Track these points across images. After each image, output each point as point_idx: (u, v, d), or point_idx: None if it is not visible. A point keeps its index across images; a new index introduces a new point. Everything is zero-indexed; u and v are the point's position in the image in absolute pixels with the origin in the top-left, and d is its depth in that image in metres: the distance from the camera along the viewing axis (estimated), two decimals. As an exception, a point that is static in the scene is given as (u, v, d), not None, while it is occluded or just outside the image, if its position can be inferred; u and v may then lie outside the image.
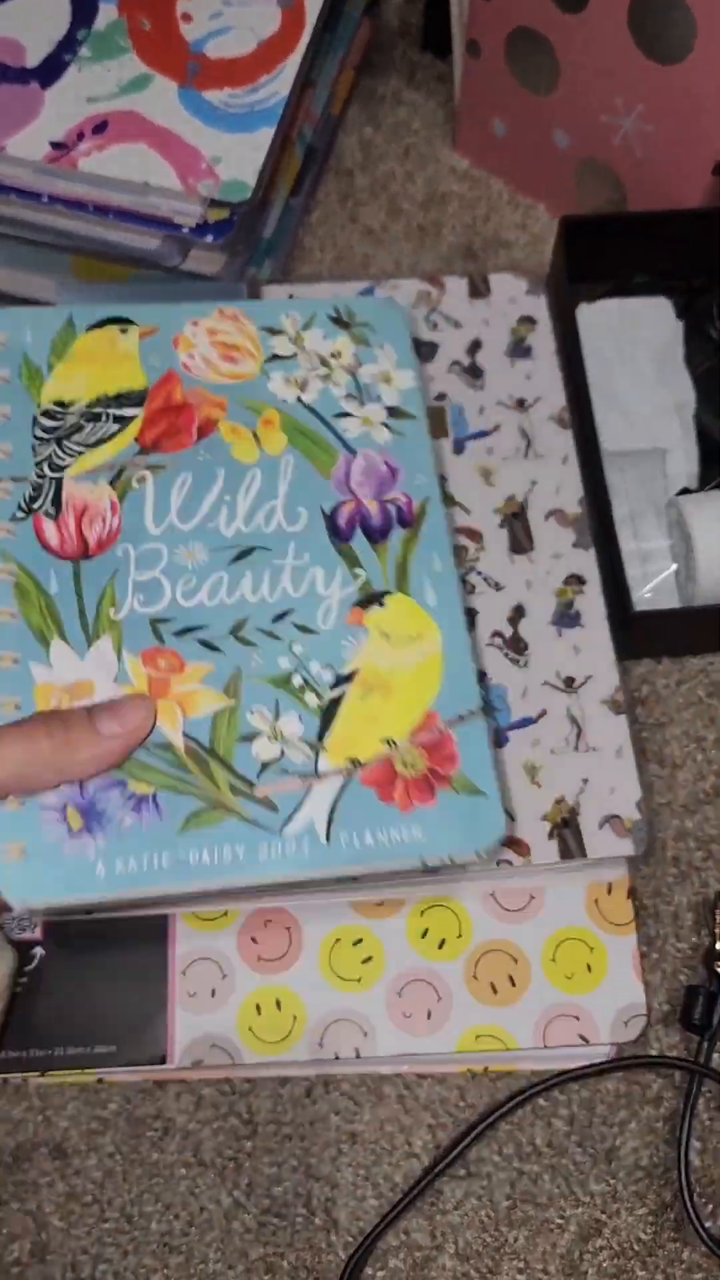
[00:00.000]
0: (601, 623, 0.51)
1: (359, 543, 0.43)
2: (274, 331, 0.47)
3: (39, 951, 0.46)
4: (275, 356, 0.46)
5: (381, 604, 0.43)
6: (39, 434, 0.44)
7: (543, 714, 0.49)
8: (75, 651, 0.41)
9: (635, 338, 0.57)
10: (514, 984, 0.46)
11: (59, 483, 0.43)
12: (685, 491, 0.54)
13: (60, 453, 0.44)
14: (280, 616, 0.42)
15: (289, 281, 0.60)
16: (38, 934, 0.46)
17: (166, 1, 0.55)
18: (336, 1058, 0.45)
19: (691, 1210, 0.44)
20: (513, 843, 0.46)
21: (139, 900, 0.40)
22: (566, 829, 0.47)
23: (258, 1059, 0.45)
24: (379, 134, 0.66)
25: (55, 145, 0.51)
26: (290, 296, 0.57)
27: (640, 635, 0.51)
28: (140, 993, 0.46)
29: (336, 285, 0.58)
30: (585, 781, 0.48)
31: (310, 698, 0.41)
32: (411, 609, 0.43)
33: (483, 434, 0.55)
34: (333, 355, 0.46)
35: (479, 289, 0.58)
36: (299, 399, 0.45)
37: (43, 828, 0.39)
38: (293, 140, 0.59)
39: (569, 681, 0.49)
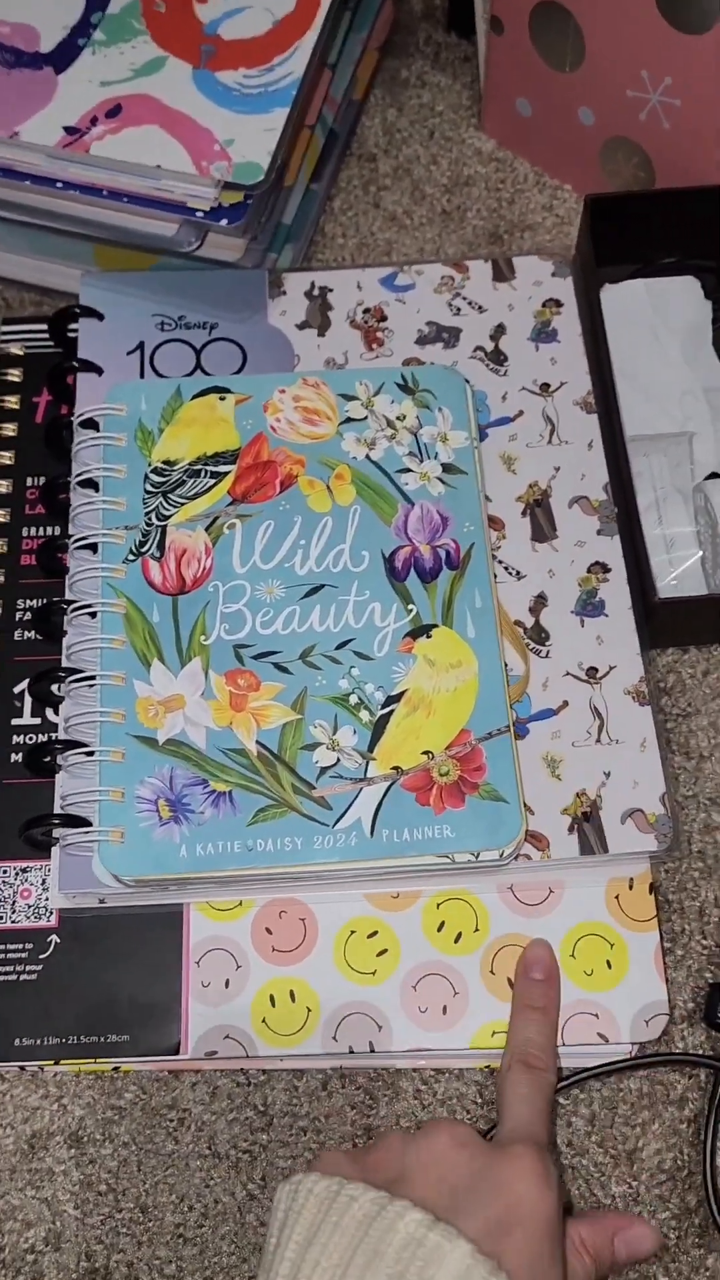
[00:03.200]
0: (626, 611, 0.49)
1: (412, 582, 0.49)
2: (349, 397, 0.53)
3: (54, 939, 0.46)
4: (349, 419, 0.52)
5: (429, 635, 0.48)
6: (149, 488, 0.51)
7: (564, 705, 0.48)
8: (171, 671, 0.48)
9: (662, 319, 0.55)
10: (532, 979, 0.45)
11: (163, 530, 0.50)
12: (713, 476, 0.53)
13: (165, 504, 0.51)
14: (342, 644, 0.48)
15: (311, 269, 0.59)
16: (53, 922, 0.46)
17: (183, -17, 0.54)
18: (351, 1051, 0.44)
19: (717, 1215, 0.43)
20: (531, 837, 0.46)
21: (213, 879, 0.45)
22: (587, 823, 0.46)
23: (271, 1051, 0.44)
24: (402, 117, 0.66)
25: (68, 130, 0.51)
26: (312, 284, 0.57)
27: (665, 623, 0.50)
28: (154, 982, 0.45)
29: (359, 271, 0.57)
30: (607, 775, 0.47)
31: (364, 714, 0.47)
32: (454, 640, 0.48)
33: (505, 420, 0.54)
34: (398, 418, 0.52)
35: (503, 272, 0.57)
36: (367, 456, 0.51)
37: (138, 816, 0.45)
38: (312, 124, 0.58)
39: (591, 672, 0.48)
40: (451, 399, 0.53)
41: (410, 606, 0.49)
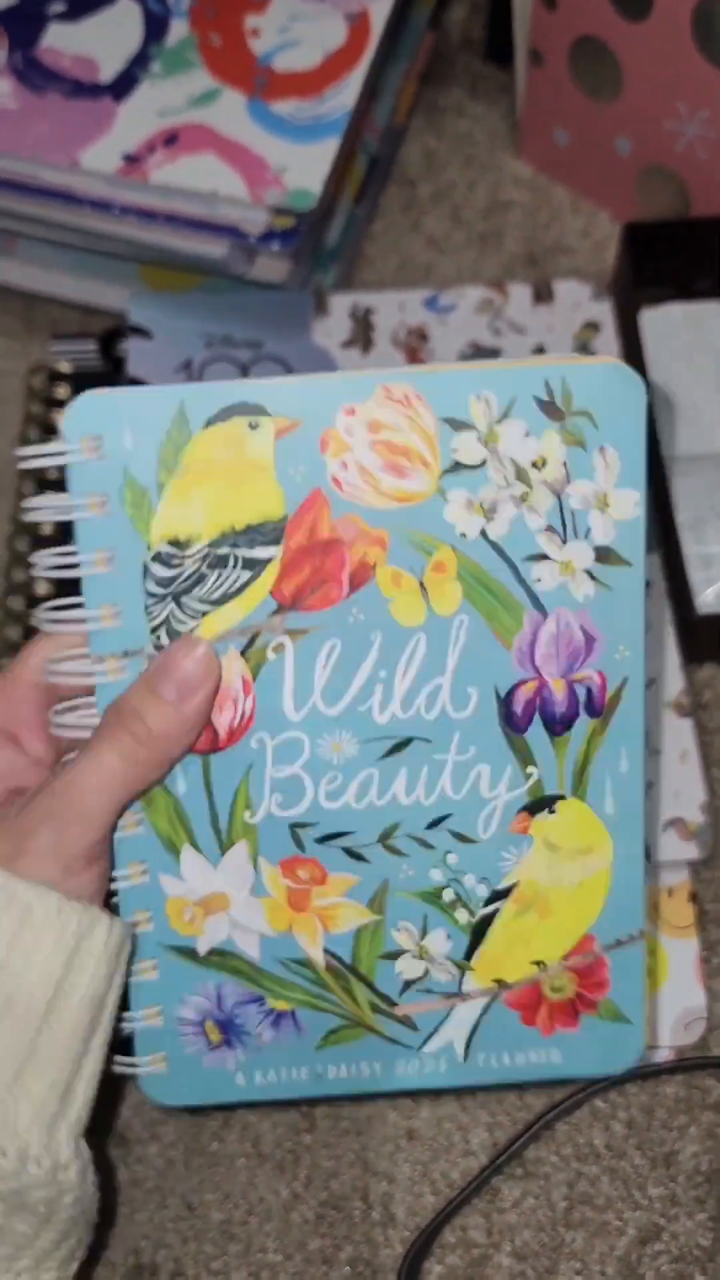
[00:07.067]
0: (666, 626, 0.51)
1: (535, 734, 0.36)
2: (458, 425, 0.33)
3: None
4: (457, 465, 0.33)
5: (552, 810, 0.37)
6: (152, 588, 0.35)
7: (604, 716, 0.49)
8: (207, 860, 0.37)
9: (699, 343, 0.57)
10: (573, 985, 0.46)
11: None
12: (749, 495, 0.54)
13: (180, 613, 0.35)
14: (436, 822, 0.37)
15: (353, 289, 0.61)
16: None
17: (236, 17, 0.56)
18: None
19: (752, 1217, 0.43)
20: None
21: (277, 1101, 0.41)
22: (628, 831, 0.47)
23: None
24: (441, 144, 0.67)
25: (127, 158, 0.52)
26: (355, 305, 0.58)
27: (703, 639, 0.51)
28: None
29: (401, 293, 0.59)
30: (649, 784, 0.48)
31: (461, 914, 0.38)
32: (586, 818, 0.37)
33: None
34: (534, 465, 0.33)
35: (543, 295, 0.58)
36: (483, 532, 0.34)
37: (182, 1041, 0.39)
38: (356, 150, 0.60)
39: (631, 684, 0.50)
40: (621, 426, 0.34)
41: (530, 770, 0.36)
